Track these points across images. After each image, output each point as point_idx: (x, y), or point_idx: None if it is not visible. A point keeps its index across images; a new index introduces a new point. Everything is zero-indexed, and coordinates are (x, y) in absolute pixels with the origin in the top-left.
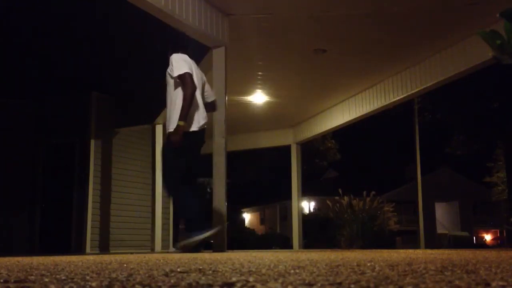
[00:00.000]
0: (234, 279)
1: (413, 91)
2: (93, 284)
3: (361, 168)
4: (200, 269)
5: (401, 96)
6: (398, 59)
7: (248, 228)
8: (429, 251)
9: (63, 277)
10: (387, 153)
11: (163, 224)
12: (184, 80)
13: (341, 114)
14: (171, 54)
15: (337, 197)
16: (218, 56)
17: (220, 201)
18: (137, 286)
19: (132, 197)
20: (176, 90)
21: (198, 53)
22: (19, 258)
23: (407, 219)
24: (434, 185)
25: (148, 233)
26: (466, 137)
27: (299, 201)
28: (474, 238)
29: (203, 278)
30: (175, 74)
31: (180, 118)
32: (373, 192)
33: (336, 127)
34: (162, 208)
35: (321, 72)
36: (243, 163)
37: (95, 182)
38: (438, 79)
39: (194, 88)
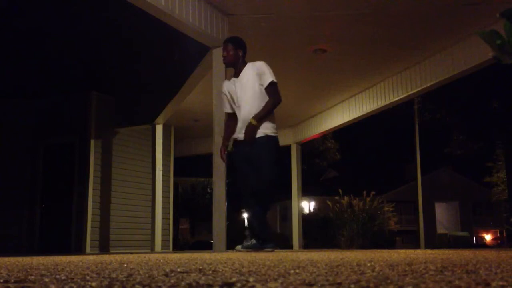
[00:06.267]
0: (234, 279)
1: (413, 91)
2: (93, 284)
3: (361, 168)
4: (200, 269)
5: (401, 96)
6: (398, 59)
7: None
8: (429, 251)
9: (63, 277)
10: (387, 153)
11: (163, 224)
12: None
13: (341, 114)
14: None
15: (337, 197)
16: (218, 56)
17: (220, 201)
18: (137, 286)
19: (132, 197)
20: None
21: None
22: (19, 258)
23: (407, 219)
24: (434, 185)
25: (148, 233)
26: (466, 137)
27: (299, 201)
28: (474, 238)
29: (203, 278)
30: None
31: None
32: (373, 192)
33: (336, 127)
34: (162, 208)
35: (321, 72)
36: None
37: (95, 182)
38: (438, 79)
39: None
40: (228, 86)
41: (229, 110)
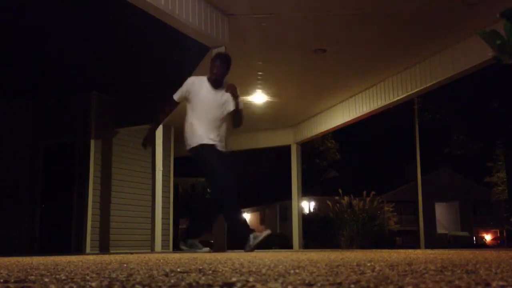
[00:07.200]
0: (234, 279)
1: (413, 91)
2: (93, 284)
3: (361, 168)
4: (200, 269)
5: (401, 96)
6: (398, 59)
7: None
8: (429, 251)
9: (63, 277)
10: (387, 153)
11: (163, 224)
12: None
13: (341, 114)
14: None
15: (337, 197)
16: None
17: None
18: (137, 286)
19: (132, 197)
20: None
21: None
22: (19, 258)
23: (407, 219)
24: (434, 185)
25: (148, 233)
26: (466, 137)
27: (299, 201)
28: (474, 238)
29: (203, 278)
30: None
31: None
32: (373, 192)
33: (336, 127)
34: (162, 208)
35: (321, 72)
36: (243, 163)
37: (95, 182)
38: (438, 79)
39: (161, 109)
40: (199, 85)
41: (177, 100)
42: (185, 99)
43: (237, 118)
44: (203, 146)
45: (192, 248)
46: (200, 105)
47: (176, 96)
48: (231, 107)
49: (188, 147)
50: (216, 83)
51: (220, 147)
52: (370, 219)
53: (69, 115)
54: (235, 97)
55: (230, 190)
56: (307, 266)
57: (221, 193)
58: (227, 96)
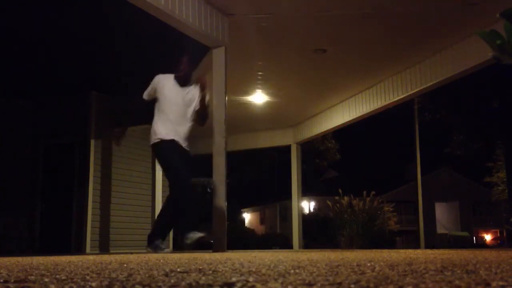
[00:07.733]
0: (234, 279)
1: (413, 91)
2: (93, 284)
3: (361, 168)
4: (200, 269)
5: (401, 96)
6: (398, 59)
7: (248, 228)
8: (429, 251)
9: (63, 277)
10: (387, 153)
11: None
12: None
13: (341, 114)
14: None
15: (337, 197)
16: (218, 56)
17: (220, 201)
18: (137, 286)
19: (132, 197)
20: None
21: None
22: (19, 258)
23: (407, 219)
24: (434, 185)
25: (148, 233)
26: (466, 137)
27: (299, 201)
28: (474, 238)
29: (203, 278)
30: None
31: None
32: (373, 192)
33: (336, 127)
34: None
35: (321, 72)
36: (243, 163)
37: (95, 182)
38: (438, 79)
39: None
40: (164, 82)
41: (146, 99)
42: (153, 97)
43: (203, 115)
44: (163, 142)
45: (156, 250)
46: (164, 102)
47: (145, 96)
48: (197, 105)
49: (150, 143)
50: (183, 80)
51: (183, 144)
52: (370, 219)
53: (69, 115)
54: (203, 89)
55: (189, 192)
56: (307, 266)
57: (181, 193)
58: (193, 94)
